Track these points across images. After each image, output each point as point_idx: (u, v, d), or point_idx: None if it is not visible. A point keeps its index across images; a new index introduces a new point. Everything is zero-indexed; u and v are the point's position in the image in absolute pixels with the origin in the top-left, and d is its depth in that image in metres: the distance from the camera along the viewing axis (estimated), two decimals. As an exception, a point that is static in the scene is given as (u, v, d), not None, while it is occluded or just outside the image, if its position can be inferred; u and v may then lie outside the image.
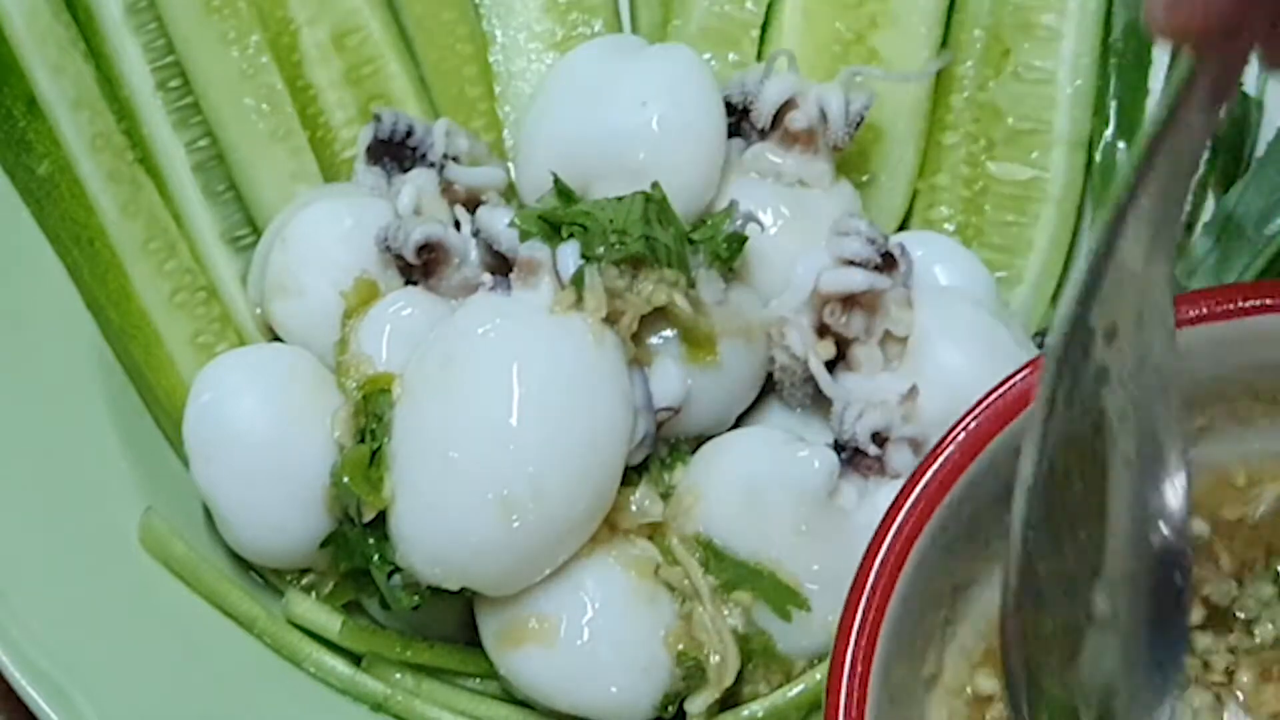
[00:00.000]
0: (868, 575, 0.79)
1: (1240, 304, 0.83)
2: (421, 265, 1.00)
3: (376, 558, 0.96)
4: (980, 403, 0.82)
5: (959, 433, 0.81)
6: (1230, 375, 0.85)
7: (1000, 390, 0.82)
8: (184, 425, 1.00)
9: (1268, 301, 0.83)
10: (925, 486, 0.81)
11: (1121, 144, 1.06)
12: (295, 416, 0.98)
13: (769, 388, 1.01)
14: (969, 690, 0.86)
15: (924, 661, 0.84)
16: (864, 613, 0.79)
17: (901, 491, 0.81)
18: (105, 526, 1.00)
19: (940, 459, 0.81)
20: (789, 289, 0.99)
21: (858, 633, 0.79)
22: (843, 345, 0.99)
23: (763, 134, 1.03)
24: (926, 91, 1.08)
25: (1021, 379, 0.82)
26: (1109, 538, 0.74)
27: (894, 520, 0.80)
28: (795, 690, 0.96)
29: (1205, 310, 0.82)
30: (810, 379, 0.99)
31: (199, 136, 1.08)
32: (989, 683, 0.85)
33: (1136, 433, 0.73)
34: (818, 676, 0.95)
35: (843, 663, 0.78)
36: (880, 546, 0.79)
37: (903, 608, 0.79)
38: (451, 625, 1.00)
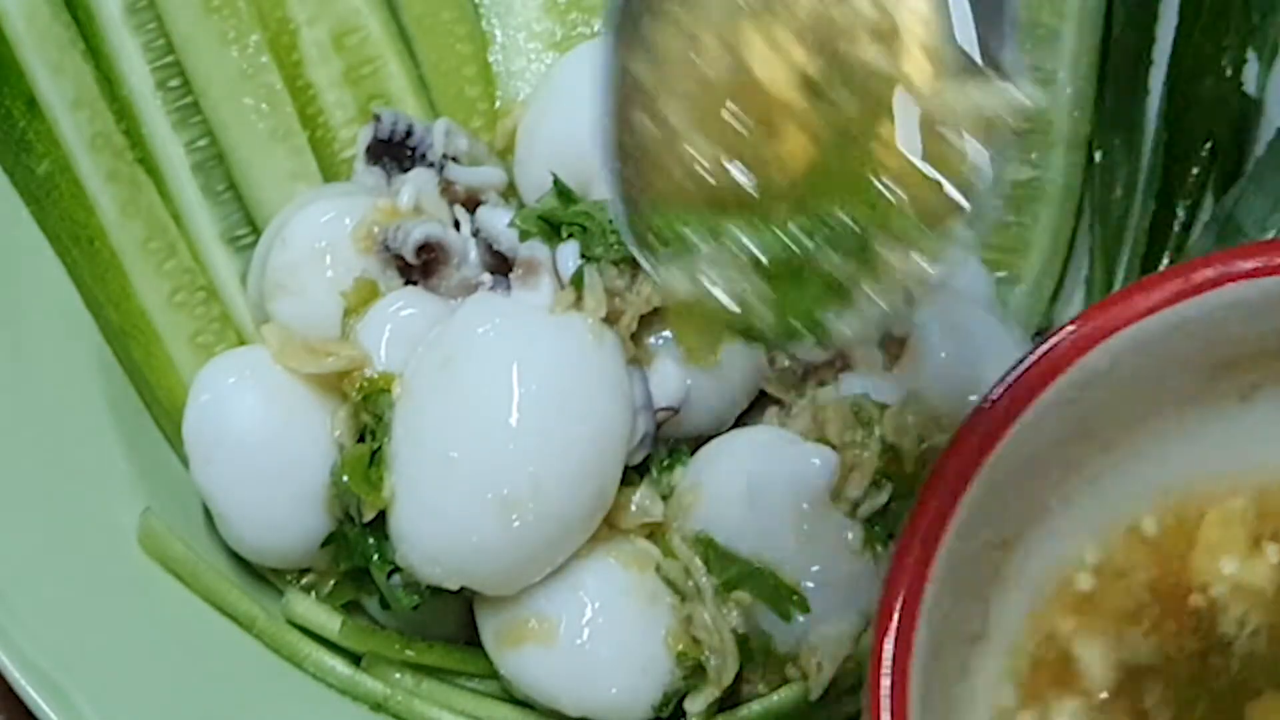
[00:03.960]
0: (918, 524, 0.77)
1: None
2: (421, 265, 1.00)
3: (376, 557, 0.96)
4: (1026, 357, 0.79)
5: (1007, 383, 0.79)
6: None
7: (1051, 340, 0.79)
8: (184, 425, 1.00)
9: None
10: (976, 434, 0.78)
11: (1121, 144, 1.06)
12: (295, 416, 0.98)
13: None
14: (1016, 650, 0.84)
15: (969, 618, 0.83)
16: (911, 566, 0.77)
17: (953, 440, 0.79)
18: (105, 527, 1.00)
19: (990, 406, 0.79)
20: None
21: (906, 583, 0.77)
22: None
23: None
24: (926, 91, 1.08)
25: (1074, 330, 0.79)
26: None
27: (943, 469, 0.78)
28: (794, 690, 0.96)
29: (1261, 264, 0.79)
30: (808, 380, 0.99)
31: (199, 136, 1.08)
32: (1035, 643, 0.84)
33: None
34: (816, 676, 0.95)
35: (890, 611, 0.77)
36: (931, 494, 0.78)
37: (950, 560, 0.78)
38: (451, 625, 1.00)
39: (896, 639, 0.76)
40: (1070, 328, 0.79)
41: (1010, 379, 0.79)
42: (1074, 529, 0.84)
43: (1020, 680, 0.83)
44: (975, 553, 0.80)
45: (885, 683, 0.76)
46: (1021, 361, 0.79)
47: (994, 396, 0.79)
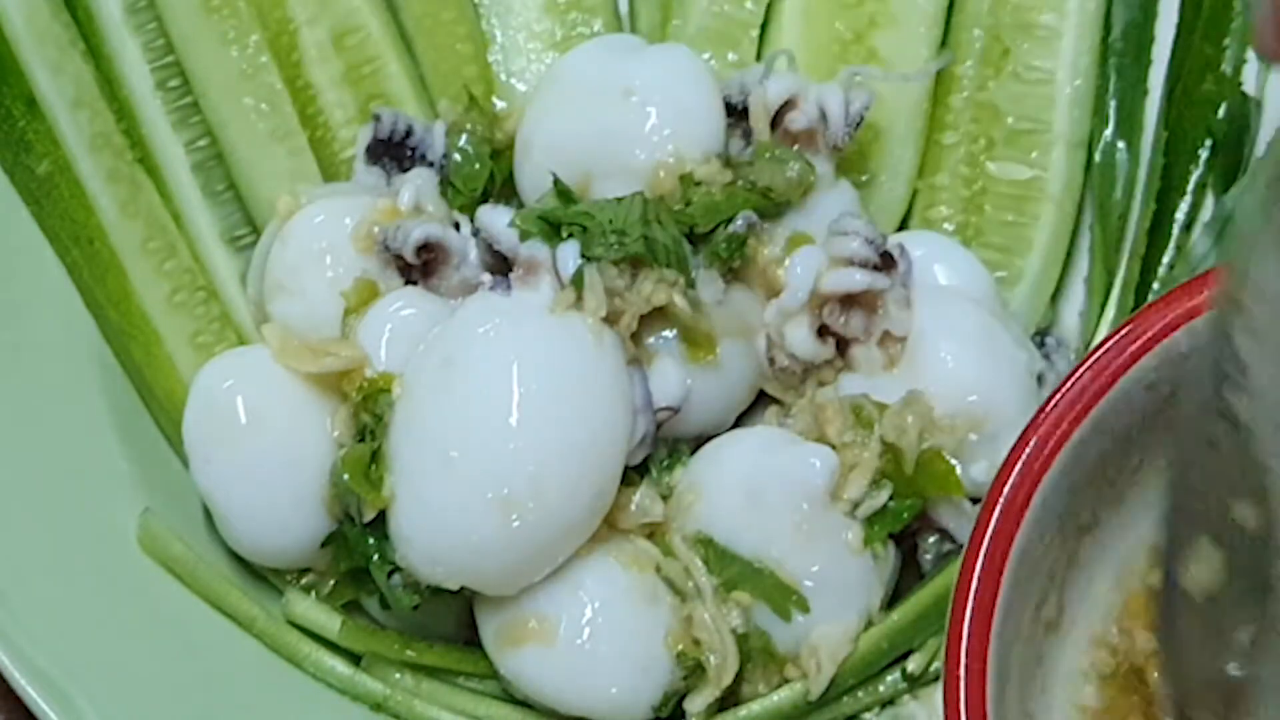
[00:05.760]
0: (991, 513, 0.77)
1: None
2: (421, 265, 1.00)
3: (376, 557, 0.96)
4: (1108, 339, 0.78)
5: (1085, 369, 0.78)
6: None
7: (1129, 326, 0.78)
8: (184, 425, 1.00)
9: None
10: (1050, 424, 0.77)
11: (1121, 144, 1.06)
12: (295, 417, 0.98)
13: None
14: (1095, 638, 0.83)
15: (1044, 604, 0.82)
16: (987, 550, 0.76)
17: (1029, 425, 0.78)
18: (105, 526, 1.00)
19: (1069, 390, 0.77)
20: (787, 289, 0.98)
21: (982, 566, 0.76)
22: (842, 345, 0.99)
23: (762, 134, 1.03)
24: (926, 91, 1.08)
25: (1153, 314, 0.78)
26: None
27: (1018, 458, 0.77)
28: (794, 690, 0.96)
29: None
30: (808, 380, 0.99)
31: (198, 136, 1.08)
32: (1110, 631, 0.83)
33: None
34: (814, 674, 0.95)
35: (965, 598, 0.76)
36: (1004, 484, 0.77)
37: (1024, 548, 0.77)
38: (451, 625, 1.00)
39: (972, 626, 0.75)
40: (1155, 309, 0.77)
41: (1095, 355, 0.77)
42: (1149, 512, 0.82)
43: (1100, 676, 0.82)
44: (1051, 540, 0.79)
45: (961, 675, 0.75)
46: (1105, 342, 0.77)
47: (1076, 375, 0.77)
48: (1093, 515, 0.82)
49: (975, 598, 0.76)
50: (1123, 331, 0.78)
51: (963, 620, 0.75)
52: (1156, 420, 0.79)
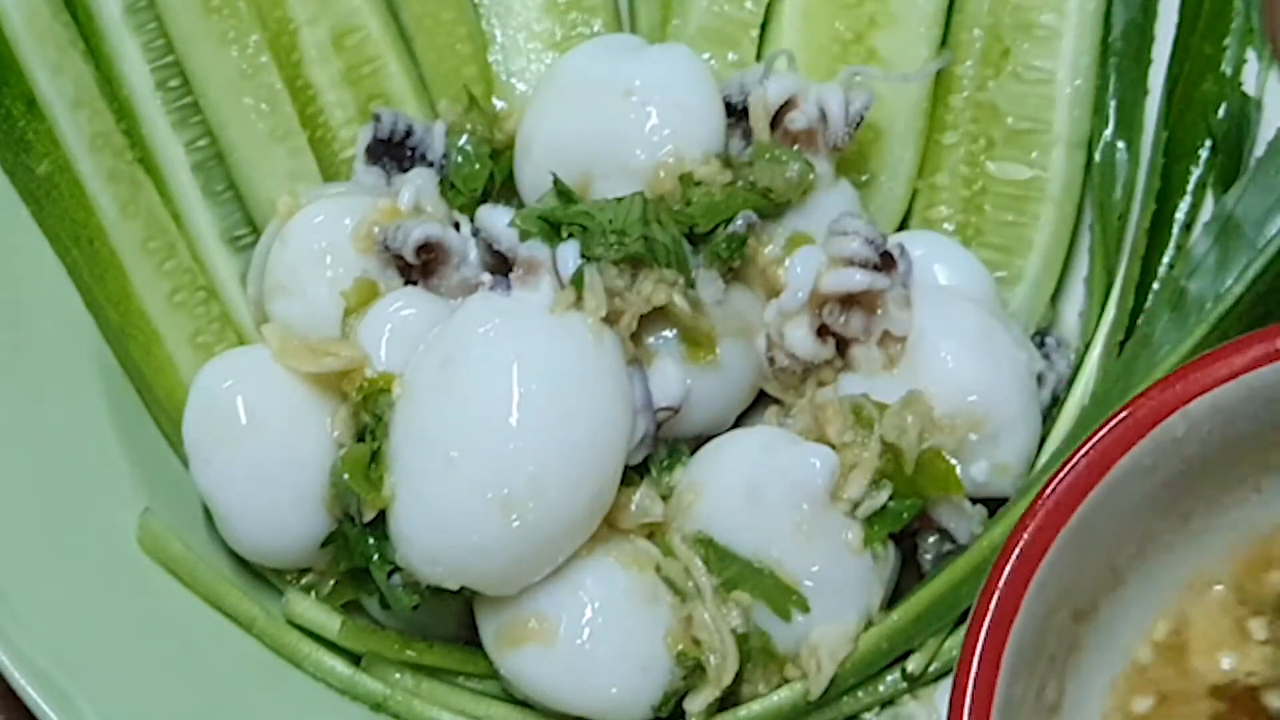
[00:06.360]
0: (990, 598, 0.77)
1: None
2: (421, 265, 1.00)
3: (376, 557, 0.96)
4: (1104, 424, 0.78)
5: (1083, 453, 0.78)
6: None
7: (1128, 407, 0.78)
8: (184, 425, 1.00)
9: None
10: (1048, 509, 0.78)
11: (1121, 144, 1.06)
12: (295, 417, 0.98)
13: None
14: None
15: (1045, 689, 0.82)
16: (987, 635, 0.76)
17: (1027, 511, 0.78)
18: (105, 526, 1.00)
19: (1065, 477, 0.78)
20: (787, 289, 0.98)
21: (981, 653, 0.76)
22: (842, 345, 0.99)
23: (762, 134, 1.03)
24: (926, 91, 1.08)
25: (1152, 396, 0.78)
26: None
27: (1018, 541, 0.77)
28: (794, 690, 0.96)
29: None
30: (808, 380, 0.99)
31: (198, 136, 1.08)
32: (1112, 715, 0.83)
33: None
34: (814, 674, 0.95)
35: (966, 683, 0.76)
36: (1002, 571, 0.77)
37: (1024, 633, 0.77)
38: (451, 625, 1.00)
39: (972, 712, 0.76)
40: (1148, 394, 0.78)
41: (1087, 447, 0.78)
42: (1151, 598, 0.83)
43: None
44: (1051, 625, 0.79)
45: None
46: (1099, 430, 0.78)
47: (1070, 465, 0.77)
48: (1092, 601, 0.82)
49: (975, 685, 0.76)
50: (1118, 418, 0.78)
51: (963, 707, 0.76)
52: (1153, 504, 0.80)
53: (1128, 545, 0.80)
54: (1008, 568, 0.76)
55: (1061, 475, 0.77)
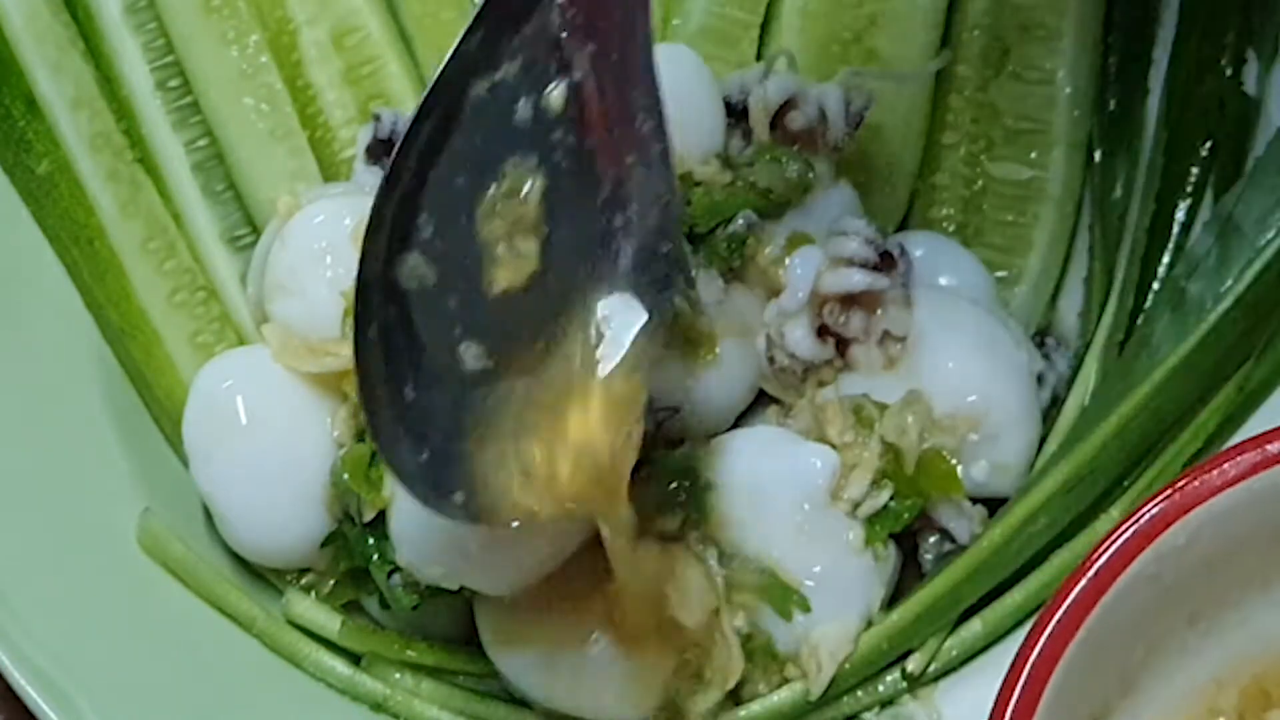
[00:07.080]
0: (1004, 711, 0.76)
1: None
2: (421, 265, 1.00)
3: (376, 557, 0.96)
4: (1114, 531, 0.79)
5: (1091, 571, 0.78)
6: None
7: (1131, 520, 0.79)
8: (184, 425, 1.00)
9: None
10: (1061, 614, 0.78)
11: (1121, 144, 1.06)
12: (295, 416, 0.98)
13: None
14: None
15: None
16: None
17: (1037, 622, 0.78)
18: (105, 527, 1.00)
19: (1070, 595, 0.78)
20: (787, 289, 0.98)
21: None
22: (842, 345, 0.99)
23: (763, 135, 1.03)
24: (926, 91, 1.08)
25: (1153, 508, 0.79)
26: None
27: (1028, 653, 0.77)
28: (794, 690, 0.96)
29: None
30: (808, 380, 0.99)
31: (198, 136, 1.08)
32: None
33: None
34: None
35: None
36: (1016, 682, 0.76)
37: None
38: (451, 625, 1.00)
39: None
40: (1149, 505, 0.78)
41: (1093, 559, 0.78)
42: (1163, 702, 0.83)
43: None
44: None
45: None
46: (1103, 543, 0.78)
47: (1077, 576, 0.78)
48: (1105, 705, 0.82)
49: None
50: (1122, 530, 0.79)
51: None
52: (1159, 608, 0.80)
53: (1136, 651, 0.81)
54: (1021, 680, 0.77)
55: (1066, 594, 0.78)
